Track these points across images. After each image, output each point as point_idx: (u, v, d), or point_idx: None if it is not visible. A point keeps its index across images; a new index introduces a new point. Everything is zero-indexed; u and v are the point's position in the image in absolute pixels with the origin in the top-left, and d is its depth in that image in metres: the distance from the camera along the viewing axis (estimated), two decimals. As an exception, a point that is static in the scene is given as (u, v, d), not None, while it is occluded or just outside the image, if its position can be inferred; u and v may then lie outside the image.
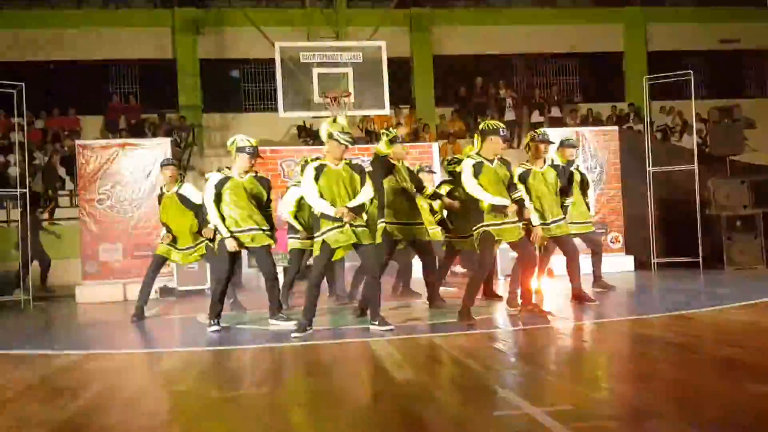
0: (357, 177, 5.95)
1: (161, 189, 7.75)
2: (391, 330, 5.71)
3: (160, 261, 7.78)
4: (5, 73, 11.51)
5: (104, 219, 10.65)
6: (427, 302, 7.34)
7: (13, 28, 16.76)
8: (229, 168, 6.52)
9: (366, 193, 5.93)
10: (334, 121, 6.02)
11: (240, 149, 6.39)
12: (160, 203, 7.71)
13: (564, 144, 8.02)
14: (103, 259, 10.61)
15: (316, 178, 5.86)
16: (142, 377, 4.94)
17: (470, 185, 6.05)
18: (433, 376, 4.25)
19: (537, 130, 7.45)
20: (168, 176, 7.60)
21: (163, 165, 7.80)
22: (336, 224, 5.75)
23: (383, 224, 6.98)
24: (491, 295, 7.76)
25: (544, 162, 7.03)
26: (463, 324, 6.00)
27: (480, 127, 6.29)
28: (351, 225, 5.75)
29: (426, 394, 3.77)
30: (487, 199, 6.00)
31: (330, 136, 5.87)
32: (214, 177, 6.45)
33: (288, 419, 3.47)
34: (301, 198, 7.06)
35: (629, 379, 4.01)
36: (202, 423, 3.53)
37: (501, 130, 6.16)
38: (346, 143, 5.87)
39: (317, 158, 6.21)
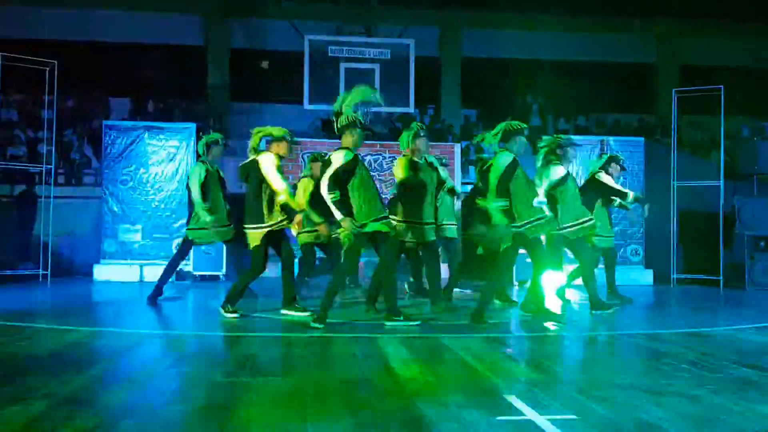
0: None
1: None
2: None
3: None
4: (39, 50, 11.64)
5: (126, 200, 10.75)
6: (431, 301, 7.26)
7: (49, 6, 16.97)
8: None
9: None
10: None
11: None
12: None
13: (616, 161, 7.94)
14: (122, 239, 10.72)
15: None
16: (150, 357, 4.96)
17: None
18: (439, 376, 4.22)
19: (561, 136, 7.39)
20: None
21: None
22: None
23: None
24: (505, 300, 7.72)
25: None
26: (475, 326, 5.97)
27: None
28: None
29: (430, 394, 3.74)
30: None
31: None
32: None
33: (289, 409, 3.46)
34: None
35: (639, 393, 3.94)
36: (203, 406, 3.53)
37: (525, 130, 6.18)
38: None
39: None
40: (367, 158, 11.52)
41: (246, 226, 6.45)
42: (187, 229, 7.71)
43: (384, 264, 6.04)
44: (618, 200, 7.80)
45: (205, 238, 7.59)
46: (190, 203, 7.89)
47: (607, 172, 7.76)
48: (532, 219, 6.05)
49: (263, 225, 6.34)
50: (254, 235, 6.37)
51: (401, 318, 5.95)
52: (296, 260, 7.12)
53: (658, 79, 18.98)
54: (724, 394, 3.80)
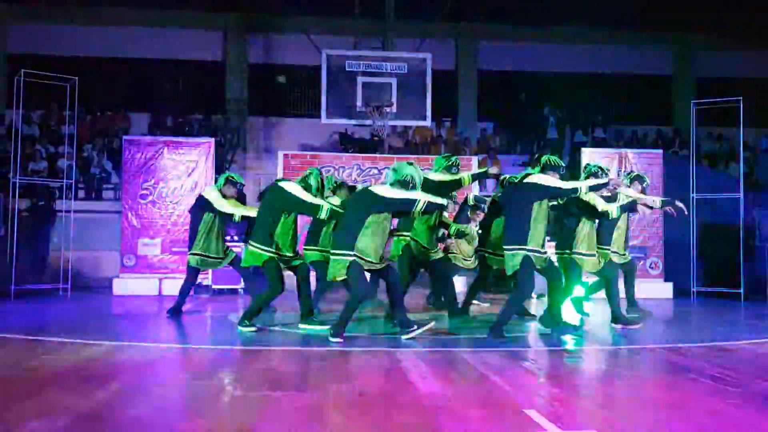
0: None
1: None
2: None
3: None
4: (60, 66, 11.84)
5: (145, 214, 10.86)
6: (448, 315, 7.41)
7: (70, 23, 17.27)
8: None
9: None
10: None
11: None
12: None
13: (640, 181, 7.89)
14: (141, 253, 10.81)
15: None
16: (170, 371, 4.99)
17: None
18: (457, 390, 4.20)
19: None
20: None
21: None
22: None
23: (405, 238, 7.13)
24: (523, 314, 7.68)
25: None
26: (493, 340, 5.95)
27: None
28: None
29: (449, 408, 3.73)
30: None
31: None
32: None
33: (308, 422, 3.47)
34: None
35: (660, 408, 3.90)
36: (223, 420, 3.55)
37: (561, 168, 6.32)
38: None
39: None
40: (384, 172, 11.56)
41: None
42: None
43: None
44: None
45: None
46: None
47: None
48: (539, 247, 6.03)
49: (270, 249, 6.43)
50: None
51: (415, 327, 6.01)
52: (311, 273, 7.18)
53: (675, 91, 18.89)
54: (747, 409, 3.76)
